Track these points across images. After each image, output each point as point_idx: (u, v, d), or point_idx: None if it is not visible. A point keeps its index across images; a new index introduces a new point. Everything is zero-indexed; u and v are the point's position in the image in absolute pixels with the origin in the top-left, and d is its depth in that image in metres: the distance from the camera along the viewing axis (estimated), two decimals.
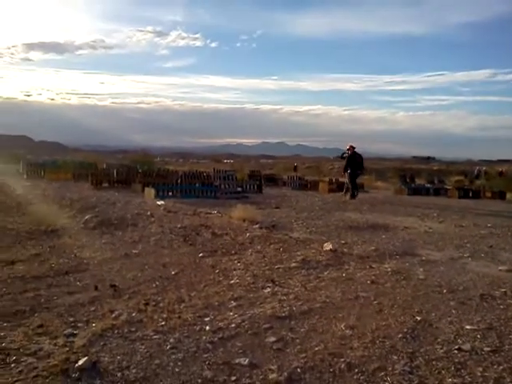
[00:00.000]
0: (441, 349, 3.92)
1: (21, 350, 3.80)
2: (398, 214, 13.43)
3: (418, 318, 4.61)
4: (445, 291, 5.61)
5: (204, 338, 4.11)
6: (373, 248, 8.04)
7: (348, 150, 17.52)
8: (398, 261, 7.25)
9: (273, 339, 4.08)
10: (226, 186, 17.63)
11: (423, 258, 7.50)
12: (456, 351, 3.87)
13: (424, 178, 34.45)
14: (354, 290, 5.63)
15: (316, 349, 3.89)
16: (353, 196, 17.11)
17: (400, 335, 4.17)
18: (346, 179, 18.08)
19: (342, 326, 4.37)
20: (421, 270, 6.69)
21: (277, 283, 5.87)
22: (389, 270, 6.58)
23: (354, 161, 17.27)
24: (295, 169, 46.70)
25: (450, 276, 6.38)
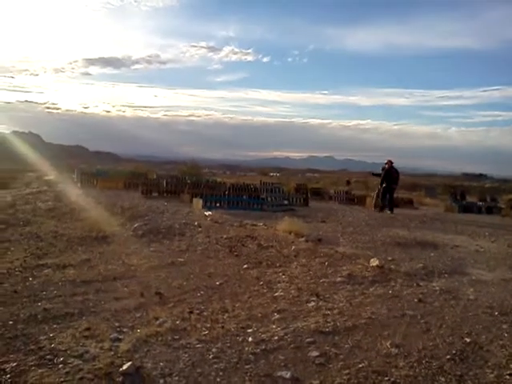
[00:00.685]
0: (491, 373, 3.75)
1: (68, 352, 3.89)
2: (447, 232, 13.05)
3: (468, 340, 4.44)
4: (496, 313, 5.38)
5: (246, 349, 4.10)
6: (421, 265, 7.83)
7: (386, 164, 18.03)
8: (446, 280, 7.03)
9: (316, 354, 4.02)
10: (273, 199, 17.64)
11: (473, 278, 7.24)
12: (508, 376, 3.70)
13: (475, 195, 33.33)
14: (400, 307, 5.48)
15: (360, 366, 3.80)
16: (382, 209, 17.68)
17: (448, 356, 4.02)
18: (374, 193, 19.12)
19: (387, 344, 4.25)
20: (471, 290, 6.45)
21: (321, 297, 5.79)
22: (437, 288, 6.38)
23: (390, 175, 17.72)
24: (348, 183, 45.41)
25: (501, 297, 6.12)
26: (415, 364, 3.85)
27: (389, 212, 17.41)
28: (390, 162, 17.94)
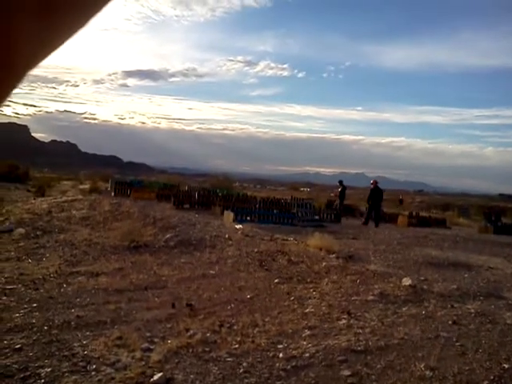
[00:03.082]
0: None
1: (101, 360, 3.94)
2: (482, 253, 12.72)
3: (506, 366, 4.30)
4: None
5: (277, 364, 4.07)
6: (454, 287, 7.64)
7: (372, 184, 20.03)
8: (482, 302, 6.83)
9: (347, 373, 3.96)
10: (304, 214, 17.57)
11: (510, 302, 7.02)
12: None
13: (511, 216, 32.42)
14: (434, 329, 5.36)
15: None
16: (365, 223, 19.11)
17: (486, 382, 3.90)
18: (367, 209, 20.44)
19: (421, 366, 4.15)
20: (508, 314, 6.26)
21: (353, 315, 5.71)
22: (472, 311, 6.21)
23: (376, 194, 19.45)
24: (401, 202, 43.11)
25: None
26: None
27: (374, 226, 18.61)
28: (375, 182, 19.95)
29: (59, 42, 0.40)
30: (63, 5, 0.38)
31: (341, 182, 22.09)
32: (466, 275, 9.00)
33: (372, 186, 19.96)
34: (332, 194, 21.70)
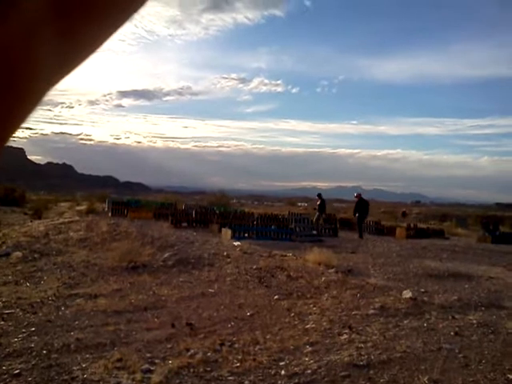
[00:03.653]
0: None
1: (101, 383, 3.90)
2: (481, 263, 12.71)
3: (510, 377, 4.27)
4: None
5: (279, 382, 4.03)
6: (455, 298, 7.61)
7: (356, 197, 20.22)
8: (483, 313, 6.81)
9: None
10: (301, 229, 17.54)
11: None
12: None
13: (509, 225, 32.44)
14: (436, 341, 5.33)
15: None
16: (361, 237, 18.92)
17: None
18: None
19: (425, 379, 4.12)
20: (510, 323, 6.24)
21: (354, 330, 5.68)
22: (474, 322, 6.19)
23: (361, 206, 19.63)
24: (404, 214, 43.00)
25: None
26: None
27: (358, 237, 18.81)
28: (359, 195, 20.21)
29: (78, 61, 0.41)
30: (84, 25, 0.39)
31: (319, 196, 22.30)
32: (466, 286, 8.98)
33: (356, 199, 20.19)
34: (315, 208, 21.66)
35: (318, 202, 21.79)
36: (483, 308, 7.10)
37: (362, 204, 19.81)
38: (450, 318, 6.37)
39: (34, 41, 0.37)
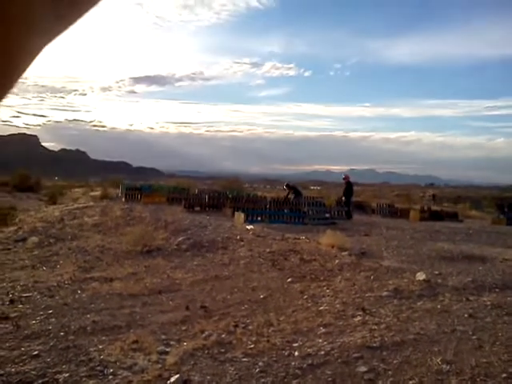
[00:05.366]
0: None
1: (117, 364, 3.96)
2: (495, 245, 12.62)
3: None
4: None
5: (293, 363, 4.06)
6: (469, 280, 7.56)
7: (344, 179, 20.54)
8: (498, 294, 6.77)
9: (364, 369, 3.95)
10: (314, 212, 17.52)
11: None
12: None
13: None
14: (450, 323, 5.32)
15: (410, 382, 3.70)
16: (350, 217, 19.03)
17: (504, 375, 3.86)
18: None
19: (438, 361, 4.12)
20: None
21: (367, 312, 5.69)
22: (488, 303, 6.16)
23: (350, 189, 19.91)
24: (434, 197, 42.37)
25: None
26: (469, 382, 3.72)
27: (348, 219, 18.85)
28: (347, 177, 20.45)
29: (75, 16, 0.40)
30: None
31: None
32: (480, 268, 8.92)
33: (345, 181, 20.27)
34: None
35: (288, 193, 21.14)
36: (497, 290, 7.05)
37: (350, 187, 20.06)
38: (464, 299, 6.35)
39: None
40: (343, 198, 20.01)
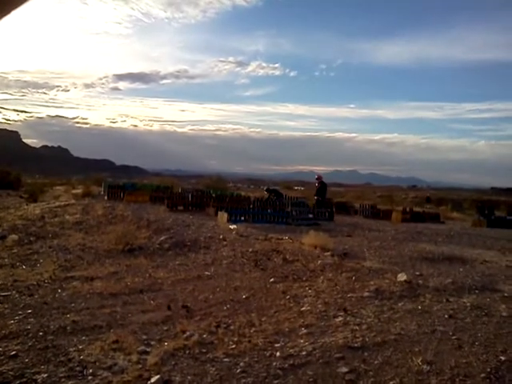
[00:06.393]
0: None
1: (97, 364, 3.92)
2: (476, 247, 12.79)
3: (503, 358, 4.30)
4: None
5: (274, 364, 4.06)
6: (450, 281, 7.65)
7: (317, 179, 20.99)
8: (477, 296, 6.85)
9: (345, 370, 3.96)
10: (298, 213, 17.55)
11: (505, 295, 7.03)
12: None
13: (504, 209, 32.56)
14: (430, 323, 5.37)
15: (391, 383, 3.72)
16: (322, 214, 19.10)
17: (483, 375, 3.90)
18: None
19: (418, 361, 4.15)
20: (503, 306, 6.27)
21: (349, 312, 5.72)
22: (468, 304, 6.23)
23: (323, 189, 20.34)
24: (428, 200, 43.12)
25: None
26: (448, 382, 3.75)
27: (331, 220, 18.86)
28: (320, 178, 20.83)
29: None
30: None
31: (268, 190, 22.80)
32: (460, 269, 9.03)
33: (318, 182, 20.65)
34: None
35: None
36: (477, 291, 7.14)
37: (324, 186, 20.42)
38: (445, 300, 6.41)
39: None
40: (316, 198, 20.19)
